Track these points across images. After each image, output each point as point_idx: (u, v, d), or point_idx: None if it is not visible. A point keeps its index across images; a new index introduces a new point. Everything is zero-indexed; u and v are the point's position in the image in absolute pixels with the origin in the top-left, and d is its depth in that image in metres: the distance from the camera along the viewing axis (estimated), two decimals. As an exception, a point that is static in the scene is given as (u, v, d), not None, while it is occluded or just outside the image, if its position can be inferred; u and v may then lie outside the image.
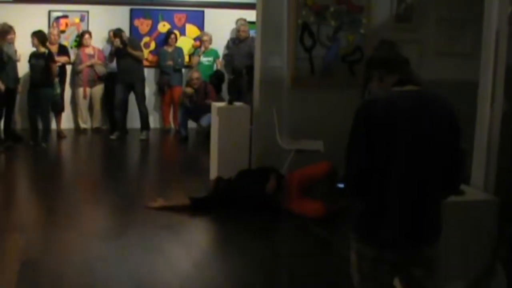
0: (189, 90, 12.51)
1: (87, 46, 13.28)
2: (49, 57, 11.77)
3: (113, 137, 12.88)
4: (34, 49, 11.67)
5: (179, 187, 9.35)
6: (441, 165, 3.47)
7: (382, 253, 3.49)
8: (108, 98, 13.46)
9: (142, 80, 13.07)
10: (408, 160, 3.40)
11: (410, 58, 3.78)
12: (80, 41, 13.42)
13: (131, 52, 12.60)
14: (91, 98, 13.47)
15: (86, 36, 13.24)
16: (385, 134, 3.39)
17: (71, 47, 13.60)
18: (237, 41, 12.95)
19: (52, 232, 7.23)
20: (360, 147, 3.44)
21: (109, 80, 13.34)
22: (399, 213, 3.43)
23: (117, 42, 12.58)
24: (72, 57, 13.37)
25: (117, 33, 12.74)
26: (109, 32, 13.43)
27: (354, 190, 3.52)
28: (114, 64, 13.15)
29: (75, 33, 13.81)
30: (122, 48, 12.54)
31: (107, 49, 13.45)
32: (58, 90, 12.19)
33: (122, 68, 12.81)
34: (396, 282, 3.69)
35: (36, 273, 5.99)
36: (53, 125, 13.24)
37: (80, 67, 13.18)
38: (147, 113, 13.22)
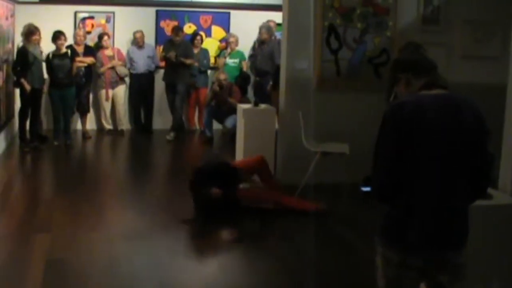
0: (222, 76, 12.54)
1: (107, 48, 13.33)
2: (72, 57, 11.91)
3: (168, 137, 12.96)
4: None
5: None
6: (469, 169, 3.45)
7: (408, 259, 3.47)
8: (134, 99, 13.55)
9: (186, 82, 13.15)
10: (436, 164, 3.37)
11: (436, 60, 3.75)
12: (99, 43, 13.48)
13: (185, 63, 12.84)
14: (113, 99, 13.51)
15: (105, 37, 13.29)
16: (413, 138, 3.36)
17: (97, 48, 13.66)
18: (260, 42, 12.95)
19: (77, 232, 7.25)
20: (387, 151, 3.42)
21: (133, 81, 13.45)
22: (426, 218, 3.40)
23: (172, 56, 12.72)
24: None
25: (175, 30, 13.05)
26: (134, 33, 13.50)
27: (381, 195, 3.50)
28: (136, 65, 13.35)
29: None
30: (176, 61, 12.78)
31: (133, 50, 13.51)
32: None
33: (168, 69, 13.09)
34: (422, 287, 3.66)
35: (61, 272, 6.02)
36: (78, 126, 13.34)
37: (102, 69, 13.21)
38: (181, 114, 13.35)
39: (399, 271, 3.50)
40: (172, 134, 12.99)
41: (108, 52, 13.32)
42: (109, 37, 13.40)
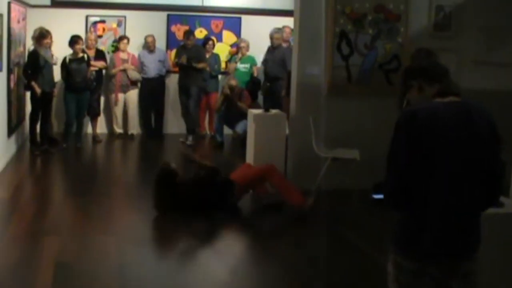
0: (233, 82, 12.54)
1: (123, 51, 13.36)
2: (88, 62, 11.98)
3: (187, 142, 12.99)
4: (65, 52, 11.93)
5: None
6: (481, 177, 3.43)
7: (422, 266, 3.44)
8: (144, 103, 13.57)
9: (198, 85, 13.16)
10: (450, 172, 3.36)
11: (448, 67, 3.74)
12: (117, 46, 13.52)
13: (195, 66, 12.87)
14: (125, 103, 13.52)
15: (125, 41, 13.33)
16: (427, 146, 3.34)
17: (108, 52, 13.70)
18: (271, 48, 12.95)
19: (87, 235, 7.27)
20: (400, 158, 3.39)
21: (144, 85, 13.47)
22: (439, 226, 3.38)
23: (184, 59, 12.78)
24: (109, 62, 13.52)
25: (187, 34, 13.13)
26: (145, 38, 13.52)
27: (393, 202, 3.48)
28: (147, 69, 13.37)
29: (112, 38, 13.93)
30: (188, 64, 12.83)
31: (144, 55, 13.53)
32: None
33: (182, 72, 13.13)
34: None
35: (70, 275, 6.04)
36: (89, 130, 13.37)
37: (113, 71, 13.24)
38: (196, 117, 13.36)
39: (411, 278, 3.48)
40: (190, 138, 13.03)
41: (123, 55, 13.35)
42: (128, 41, 13.43)
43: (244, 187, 8.41)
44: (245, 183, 8.37)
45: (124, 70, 13.28)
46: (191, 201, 8.04)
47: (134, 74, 13.37)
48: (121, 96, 13.41)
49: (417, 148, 3.34)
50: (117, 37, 13.61)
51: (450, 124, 3.37)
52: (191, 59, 12.81)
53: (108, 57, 13.44)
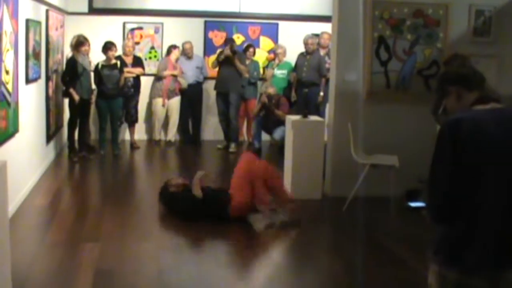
0: (271, 90, 12.54)
1: (175, 58, 13.39)
2: (122, 68, 12.06)
3: (230, 149, 13.05)
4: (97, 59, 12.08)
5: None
6: None
7: (466, 278, 3.35)
8: (182, 109, 13.59)
9: (238, 92, 13.12)
10: (497, 182, 3.27)
11: (488, 73, 3.68)
12: (168, 51, 13.56)
13: (236, 64, 12.80)
14: (167, 110, 13.54)
15: (176, 51, 13.39)
16: (473, 155, 3.26)
17: (145, 59, 13.76)
18: (305, 54, 12.90)
19: (126, 242, 7.29)
20: (445, 169, 3.31)
21: (185, 93, 13.50)
22: (487, 237, 3.30)
23: (227, 50, 12.75)
24: (151, 68, 13.57)
25: (229, 42, 13.00)
26: (183, 44, 13.56)
27: (439, 215, 3.39)
28: (185, 76, 13.41)
29: (149, 45, 14.01)
30: (231, 57, 12.74)
31: (182, 61, 13.55)
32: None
33: (220, 78, 13.05)
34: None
35: (109, 282, 6.05)
36: (127, 136, 13.43)
37: (165, 73, 13.24)
38: (237, 125, 13.35)
39: (455, 291, 3.40)
40: (233, 145, 13.07)
41: (174, 61, 13.39)
42: (179, 51, 13.47)
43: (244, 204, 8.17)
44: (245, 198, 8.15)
45: (174, 76, 13.30)
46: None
47: (184, 82, 13.39)
48: (166, 101, 13.42)
49: (462, 158, 3.26)
50: (169, 46, 13.60)
51: (498, 132, 3.30)
52: (236, 53, 12.85)
53: (146, 64, 13.50)
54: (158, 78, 13.41)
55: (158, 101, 13.40)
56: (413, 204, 3.94)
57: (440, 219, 3.39)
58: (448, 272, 3.40)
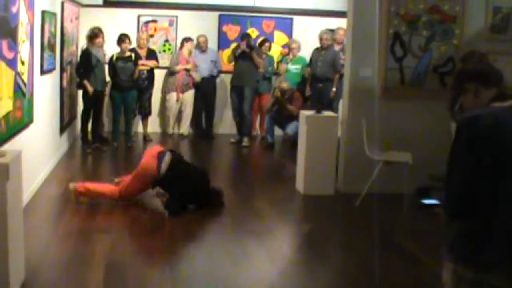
0: (284, 85, 12.55)
1: (188, 52, 13.38)
2: (136, 60, 12.07)
3: (243, 143, 13.06)
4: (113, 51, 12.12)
5: (263, 194, 9.40)
6: None
7: (483, 276, 3.32)
8: (195, 103, 13.58)
9: (253, 86, 13.13)
10: None
11: (506, 70, 3.64)
12: (181, 44, 13.55)
13: (254, 57, 12.82)
14: (181, 103, 13.53)
15: (189, 44, 13.36)
16: (492, 153, 3.23)
17: (159, 52, 13.77)
18: (320, 49, 12.87)
19: (138, 234, 7.31)
20: (463, 166, 3.28)
21: (198, 87, 13.49)
22: (505, 234, 3.27)
23: (243, 45, 12.77)
24: (165, 61, 13.59)
25: (245, 37, 12.98)
26: (197, 38, 13.55)
27: (456, 210, 3.36)
28: (199, 69, 13.38)
29: (164, 37, 14.02)
30: (248, 52, 12.75)
31: (196, 55, 13.54)
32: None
33: (236, 72, 13.09)
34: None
35: (122, 273, 6.06)
36: (140, 129, 13.45)
37: (177, 68, 13.23)
38: (251, 119, 13.35)
39: (470, 288, 3.37)
40: (246, 139, 13.08)
41: (187, 55, 13.37)
42: (192, 44, 13.45)
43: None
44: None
45: (187, 70, 13.29)
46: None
47: (197, 76, 13.39)
48: (180, 95, 13.42)
49: (482, 156, 3.23)
50: (182, 38, 13.59)
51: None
52: (253, 48, 12.85)
53: (160, 56, 13.50)
54: (171, 73, 13.41)
55: (172, 95, 13.39)
56: (425, 201, 3.92)
57: (458, 214, 3.36)
58: (464, 269, 3.37)
